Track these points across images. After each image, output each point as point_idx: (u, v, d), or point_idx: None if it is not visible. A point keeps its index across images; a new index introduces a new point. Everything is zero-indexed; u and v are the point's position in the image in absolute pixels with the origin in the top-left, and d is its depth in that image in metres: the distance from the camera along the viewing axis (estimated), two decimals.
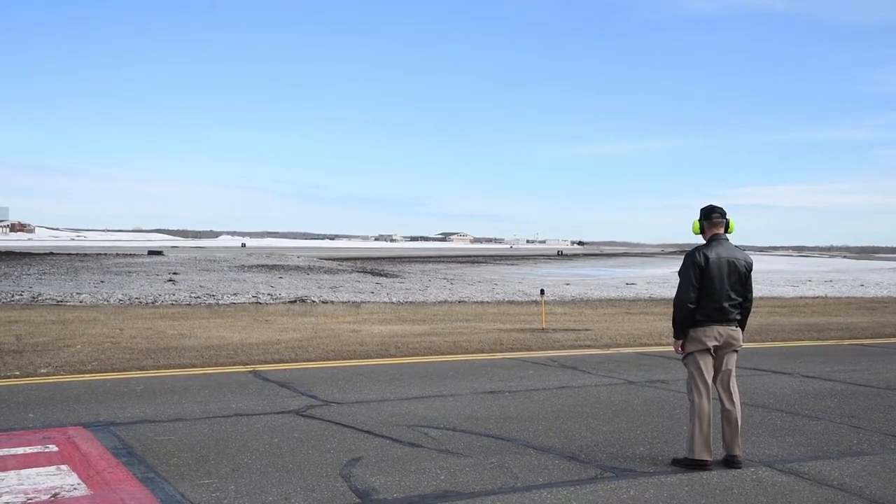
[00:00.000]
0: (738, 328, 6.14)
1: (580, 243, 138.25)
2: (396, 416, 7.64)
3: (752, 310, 6.39)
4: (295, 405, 8.07)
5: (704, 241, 6.19)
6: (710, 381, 6.05)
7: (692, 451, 5.95)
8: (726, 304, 6.02)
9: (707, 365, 6.05)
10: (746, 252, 6.27)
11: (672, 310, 6.18)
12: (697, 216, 6.25)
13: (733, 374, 6.15)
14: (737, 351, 6.18)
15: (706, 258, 6.01)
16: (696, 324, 6.01)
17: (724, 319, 6.03)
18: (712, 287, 5.98)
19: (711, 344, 6.02)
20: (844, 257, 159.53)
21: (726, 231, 6.21)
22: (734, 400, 6.08)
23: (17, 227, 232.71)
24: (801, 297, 29.55)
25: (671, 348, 12.81)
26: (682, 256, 6.22)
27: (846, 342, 14.60)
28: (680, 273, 6.11)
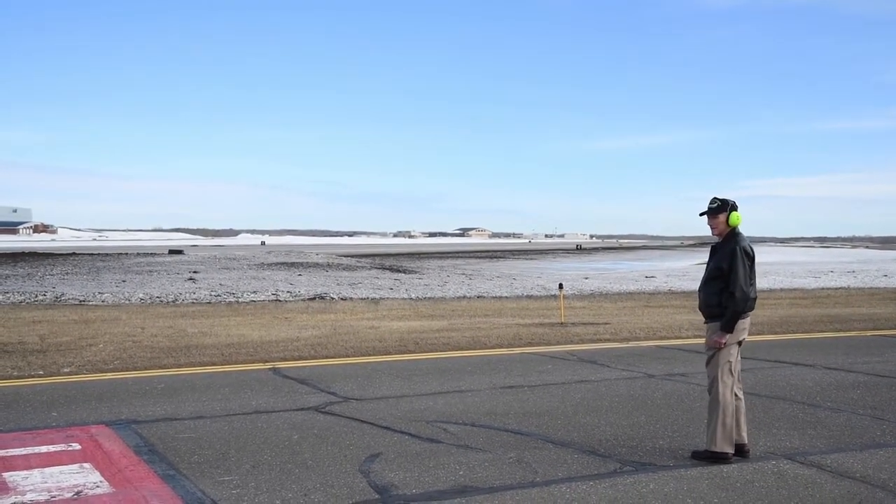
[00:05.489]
0: None
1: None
2: (415, 411, 7.65)
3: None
4: (314, 402, 8.10)
5: (722, 235, 6.09)
6: (736, 372, 6.06)
7: (714, 443, 5.91)
8: (754, 296, 6.11)
9: (737, 356, 6.09)
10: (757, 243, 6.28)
11: (733, 302, 5.88)
12: (730, 209, 6.04)
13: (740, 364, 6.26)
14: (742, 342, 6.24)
15: (752, 249, 6.08)
16: None
17: (750, 310, 6.09)
18: (753, 278, 6.06)
19: (745, 336, 6.08)
20: (867, 247, 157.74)
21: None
22: (741, 389, 6.17)
23: (40, 229, 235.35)
24: (823, 288, 29.24)
25: (690, 341, 12.78)
26: (704, 249, 6.17)
27: (869, 333, 14.44)
28: (730, 265, 5.93)
